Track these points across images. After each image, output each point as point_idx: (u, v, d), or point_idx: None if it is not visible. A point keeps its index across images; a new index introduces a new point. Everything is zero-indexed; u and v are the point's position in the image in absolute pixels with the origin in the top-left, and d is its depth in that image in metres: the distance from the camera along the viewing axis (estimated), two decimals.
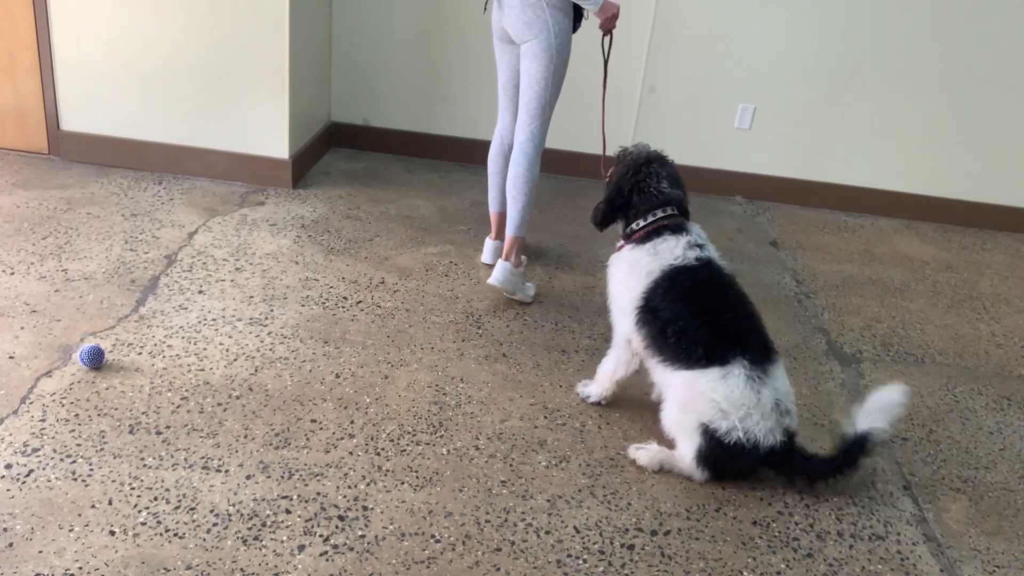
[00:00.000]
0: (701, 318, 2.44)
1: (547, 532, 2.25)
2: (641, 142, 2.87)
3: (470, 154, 4.87)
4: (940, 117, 4.77)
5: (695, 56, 4.75)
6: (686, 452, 2.47)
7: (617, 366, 2.72)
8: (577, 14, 3.29)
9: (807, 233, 4.61)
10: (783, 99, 4.80)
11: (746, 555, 2.25)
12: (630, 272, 2.59)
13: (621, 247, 2.73)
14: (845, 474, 2.47)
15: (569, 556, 2.18)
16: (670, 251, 2.53)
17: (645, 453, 2.54)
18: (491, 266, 3.56)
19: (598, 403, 2.81)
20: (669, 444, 2.55)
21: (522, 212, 3.40)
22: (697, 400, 2.43)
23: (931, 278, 4.20)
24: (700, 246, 2.56)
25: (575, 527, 2.28)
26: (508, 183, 3.41)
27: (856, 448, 2.43)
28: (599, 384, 2.80)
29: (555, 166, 5.00)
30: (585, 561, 2.17)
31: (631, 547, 2.24)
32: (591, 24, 3.42)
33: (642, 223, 2.63)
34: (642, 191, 2.64)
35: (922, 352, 3.45)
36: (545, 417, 2.74)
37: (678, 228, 2.58)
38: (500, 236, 3.64)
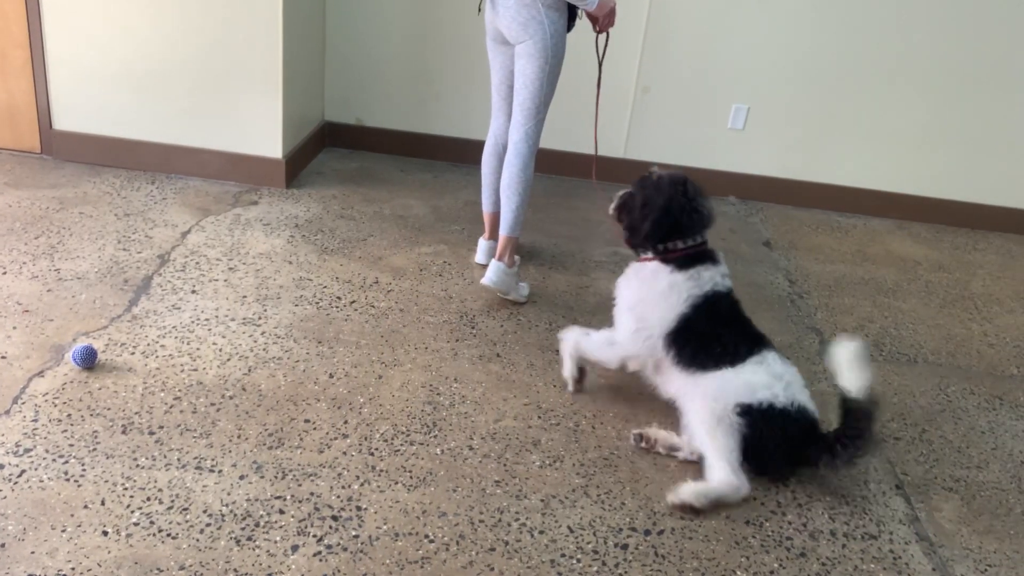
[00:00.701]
0: (738, 328, 2.61)
1: (541, 532, 2.25)
2: (655, 168, 2.83)
3: (464, 154, 4.87)
4: (933, 118, 4.79)
5: (689, 57, 4.75)
6: (721, 455, 2.40)
7: (607, 356, 2.74)
8: (571, 13, 3.28)
9: (800, 233, 4.62)
10: (776, 100, 4.81)
11: (739, 554, 2.26)
12: (669, 293, 2.60)
13: (646, 260, 2.70)
14: (865, 442, 2.43)
15: (563, 556, 2.18)
16: (711, 279, 2.61)
17: (688, 489, 2.37)
18: (485, 266, 3.55)
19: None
20: (684, 464, 2.55)
21: (515, 212, 3.40)
22: (731, 386, 2.48)
23: (923, 278, 4.21)
24: (726, 275, 2.67)
25: (569, 527, 2.28)
26: (502, 183, 3.41)
27: (864, 408, 2.43)
28: (576, 346, 2.79)
29: (549, 166, 5.00)
30: (579, 561, 2.17)
31: (625, 547, 2.24)
32: (586, 23, 3.42)
33: (681, 245, 2.64)
34: (692, 213, 2.63)
35: (914, 352, 3.47)
36: (539, 417, 2.74)
37: (715, 258, 2.67)
38: (494, 236, 3.64)
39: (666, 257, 2.63)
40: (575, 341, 2.80)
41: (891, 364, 3.35)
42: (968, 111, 4.76)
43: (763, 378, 2.50)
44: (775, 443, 2.45)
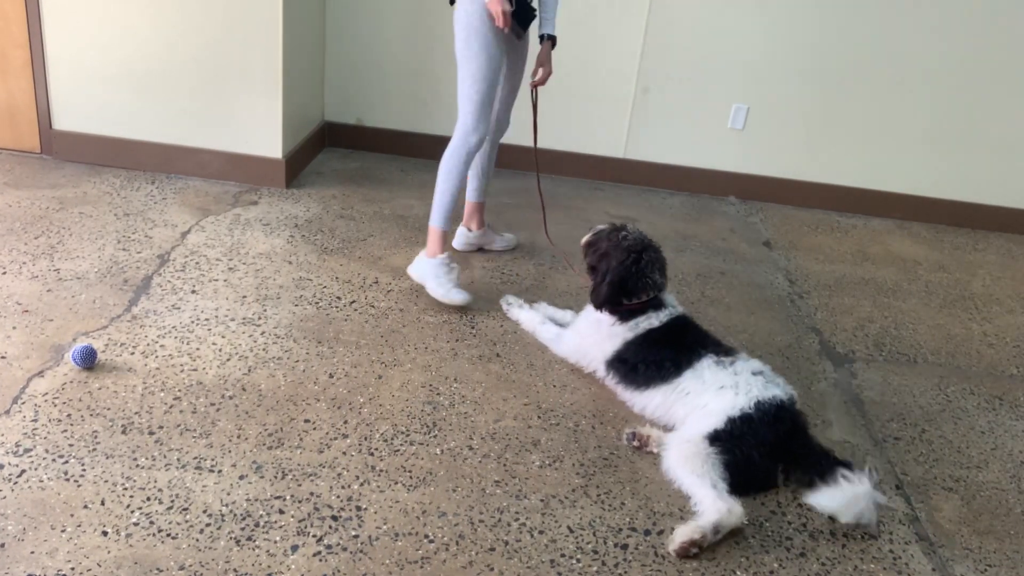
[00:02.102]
0: (670, 350, 2.77)
1: (541, 532, 2.25)
2: (620, 223, 3.04)
3: None
4: (933, 118, 4.79)
5: (689, 56, 4.75)
6: (703, 485, 2.36)
7: (553, 347, 3.11)
8: (524, 16, 3.21)
9: (800, 233, 4.62)
10: (777, 100, 4.81)
11: (739, 554, 2.26)
12: (608, 337, 2.89)
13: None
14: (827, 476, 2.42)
15: (563, 556, 2.18)
16: (647, 324, 2.85)
17: (681, 531, 2.27)
18: (460, 251, 3.78)
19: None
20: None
21: (437, 201, 3.35)
22: (693, 421, 2.59)
23: (923, 278, 4.21)
24: (669, 314, 2.88)
25: (569, 527, 2.28)
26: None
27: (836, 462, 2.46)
28: (532, 321, 3.20)
29: (548, 166, 5.01)
30: (579, 561, 2.17)
31: (624, 546, 2.24)
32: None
33: (626, 302, 2.88)
34: (641, 281, 2.86)
35: (914, 352, 3.47)
36: (539, 417, 2.74)
37: (659, 305, 2.89)
38: (470, 223, 3.78)
39: (613, 309, 2.89)
40: (532, 324, 3.22)
41: (891, 364, 3.35)
42: (968, 111, 4.76)
43: (711, 398, 2.59)
44: (759, 451, 2.46)
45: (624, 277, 2.84)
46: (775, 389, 2.59)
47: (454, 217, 3.40)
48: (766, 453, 2.47)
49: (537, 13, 3.30)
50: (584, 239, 3.06)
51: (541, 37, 3.34)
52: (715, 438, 2.46)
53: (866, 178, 4.95)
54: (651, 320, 2.85)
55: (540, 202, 3.78)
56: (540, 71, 3.35)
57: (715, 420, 2.51)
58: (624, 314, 2.88)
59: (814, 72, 4.74)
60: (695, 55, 4.75)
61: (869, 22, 4.62)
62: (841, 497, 2.35)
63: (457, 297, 3.27)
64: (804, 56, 4.71)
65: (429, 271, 3.32)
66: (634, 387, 2.81)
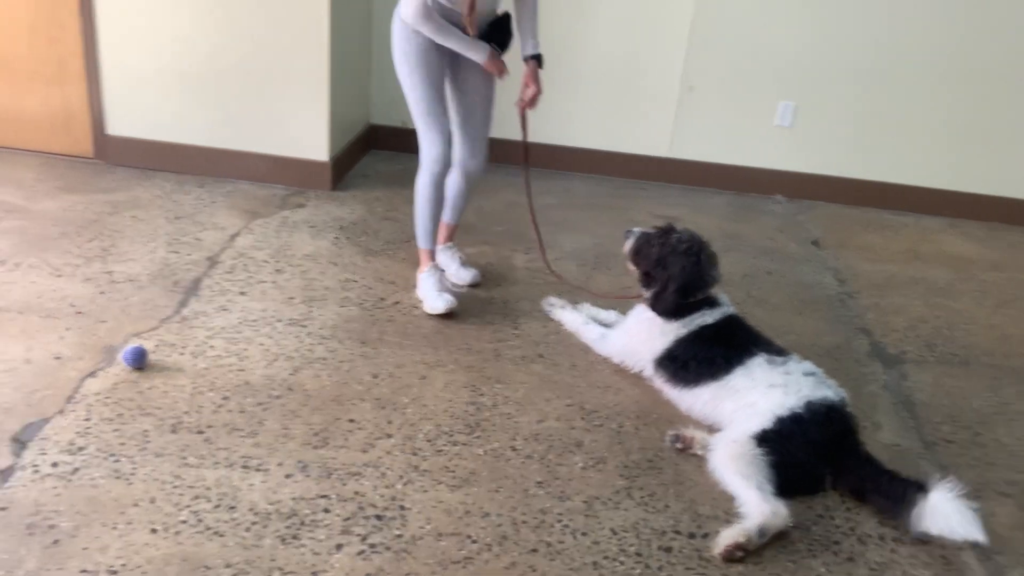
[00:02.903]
0: (720, 347, 2.74)
1: (584, 534, 2.24)
2: (665, 223, 2.97)
3: (508, 155, 4.86)
4: (986, 112, 4.67)
5: (735, 53, 4.70)
6: (748, 486, 2.33)
7: (596, 347, 3.10)
8: (501, 37, 3.12)
9: (849, 232, 4.54)
10: (825, 96, 4.73)
11: (785, 558, 2.22)
12: (660, 335, 2.85)
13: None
14: (894, 508, 2.35)
15: (606, 558, 2.17)
16: (700, 320, 2.82)
17: (726, 534, 2.23)
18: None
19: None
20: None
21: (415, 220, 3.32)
22: (740, 420, 2.54)
23: (977, 277, 4.11)
24: (722, 311, 2.85)
25: (612, 529, 2.27)
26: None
27: (911, 487, 2.35)
28: (575, 322, 3.19)
29: (592, 166, 4.99)
30: (622, 563, 2.16)
31: (668, 549, 2.22)
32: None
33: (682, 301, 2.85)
34: (701, 281, 2.84)
35: (967, 353, 3.38)
36: (582, 418, 2.73)
37: (713, 303, 2.86)
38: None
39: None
40: (575, 325, 3.21)
41: (943, 365, 3.27)
42: (1022, 105, 4.63)
43: (760, 396, 2.56)
44: (807, 451, 2.42)
45: (689, 281, 2.81)
46: (826, 390, 2.55)
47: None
48: (815, 454, 2.43)
49: (514, 33, 3.15)
50: (628, 246, 3.00)
51: (526, 59, 3.16)
52: (763, 438, 2.43)
53: (917, 175, 4.85)
54: (705, 317, 2.82)
55: (536, 232, 3.54)
56: (528, 91, 3.17)
57: (763, 420, 2.47)
58: (679, 313, 2.86)
59: (863, 67, 4.65)
60: (741, 52, 4.70)
61: (920, 14, 4.52)
62: (946, 515, 2.26)
63: (439, 304, 3.19)
64: (853, 51, 4.63)
65: (420, 286, 3.30)
66: (683, 384, 2.78)
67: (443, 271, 3.32)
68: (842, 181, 4.89)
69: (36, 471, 2.27)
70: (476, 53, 3.03)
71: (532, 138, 3.47)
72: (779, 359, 2.66)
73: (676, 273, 2.81)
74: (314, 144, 4.34)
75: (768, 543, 2.25)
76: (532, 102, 3.21)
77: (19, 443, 2.37)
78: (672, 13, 4.65)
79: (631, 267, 3.02)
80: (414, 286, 3.42)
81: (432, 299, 3.22)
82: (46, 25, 4.25)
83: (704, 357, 2.74)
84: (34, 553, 2.01)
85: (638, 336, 2.95)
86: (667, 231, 2.91)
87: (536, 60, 3.17)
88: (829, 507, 2.43)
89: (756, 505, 2.27)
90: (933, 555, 2.28)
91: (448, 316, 3.22)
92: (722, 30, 4.66)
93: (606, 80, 4.83)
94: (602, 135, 4.92)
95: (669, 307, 2.82)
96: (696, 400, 2.74)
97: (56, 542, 2.06)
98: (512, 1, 3.19)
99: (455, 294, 3.27)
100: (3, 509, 2.13)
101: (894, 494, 2.35)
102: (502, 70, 3.12)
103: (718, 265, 2.89)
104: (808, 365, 2.66)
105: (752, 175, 4.94)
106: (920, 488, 2.32)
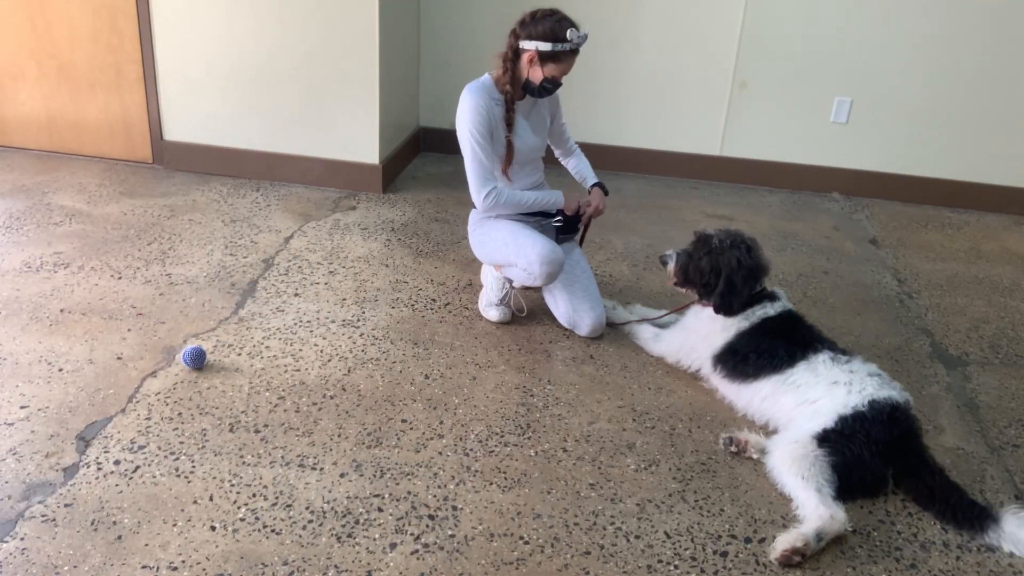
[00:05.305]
0: (783, 341, 2.72)
1: (637, 536, 2.22)
2: (698, 233, 2.95)
3: (554, 156, 4.86)
4: None
5: (788, 49, 4.63)
6: (807, 489, 2.29)
7: (650, 348, 3.08)
8: (570, 226, 3.25)
9: (908, 230, 4.43)
10: (881, 91, 4.63)
11: (845, 564, 2.18)
12: (721, 331, 2.84)
13: (707, 305, 2.90)
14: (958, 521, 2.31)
15: (660, 561, 2.15)
16: (762, 313, 2.82)
17: (783, 539, 2.19)
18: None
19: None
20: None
21: None
22: (801, 420, 2.50)
23: None
24: (781, 305, 2.85)
25: (666, 532, 2.25)
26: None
27: (978, 511, 2.30)
28: (648, 339, 3.11)
29: (641, 166, 4.96)
30: (676, 567, 2.13)
31: (724, 554, 2.19)
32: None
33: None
34: (756, 266, 2.85)
35: None
36: (633, 420, 2.71)
37: (773, 297, 2.87)
38: None
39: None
40: (627, 325, 3.20)
41: (1008, 367, 3.18)
42: None
43: (823, 393, 2.52)
44: (870, 451, 2.36)
45: (750, 269, 2.81)
46: (891, 390, 2.50)
47: None
48: (878, 454, 2.37)
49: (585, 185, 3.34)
50: (671, 269, 2.95)
51: (590, 188, 3.31)
52: (824, 439, 2.38)
53: (979, 172, 4.71)
54: (767, 309, 2.81)
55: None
56: (591, 208, 3.23)
57: (825, 419, 2.43)
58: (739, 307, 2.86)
59: (921, 62, 4.54)
60: (794, 47, 4.62)
61: (978, 9, 4.39)
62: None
63: (493, 314, 3.23)
64: (910, 45, 4.52)
65: (489, 288, 3.27)
66: (742, 379, 2.74)
67: (513, 286, 3.31)
68: (900, 178, 4.78)
69: (99, 468, 2.33)
70: (553, 199, 3.14)
71: (581, 138, 3.46)
72: (843, 357, 2.62)
73: (735, 268, 2.79)
74: (365, 148, 4.38)
75: (827, 548, 2.20)
76: (595, 212, 3.27)
77: (83, 441, 2.43)
78: (723, 7, 4.59)
79: (683, 289, 2.99)
80: (467, 285, 3.43)
81: (491, 307, 3.23)
82: (105, 33, 4.36)
83: (765, 350, 2.71)
84: (98, 549, 2.06)
85: (698, 332, 2.92)
86: (704, 239, 2.90)
87: (599, 186, 3.31)
88: (890, 512, 2.37)
89: (814, 509, 2.23)
90: (1000, 564, 2.21)
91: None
92: (774, 25, 4.59)
93: (656, 78, 4.79)
94: (652, 134, 4.88)
95: (740, 300, 2.80)
96: (755, 395, 2.69)
97: (119, 538, 2.10)
98: (560, 155, 3.44)
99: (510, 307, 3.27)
100: (68, 505, 2.19)
101: (964, 518, 2.30)
102: (581, 202, 3.22)
103: (762, 249, 2.91)
104: (872, 367, 2.60)
105: (807, 173, 4.85)
106: (991, 516, 2.27)
